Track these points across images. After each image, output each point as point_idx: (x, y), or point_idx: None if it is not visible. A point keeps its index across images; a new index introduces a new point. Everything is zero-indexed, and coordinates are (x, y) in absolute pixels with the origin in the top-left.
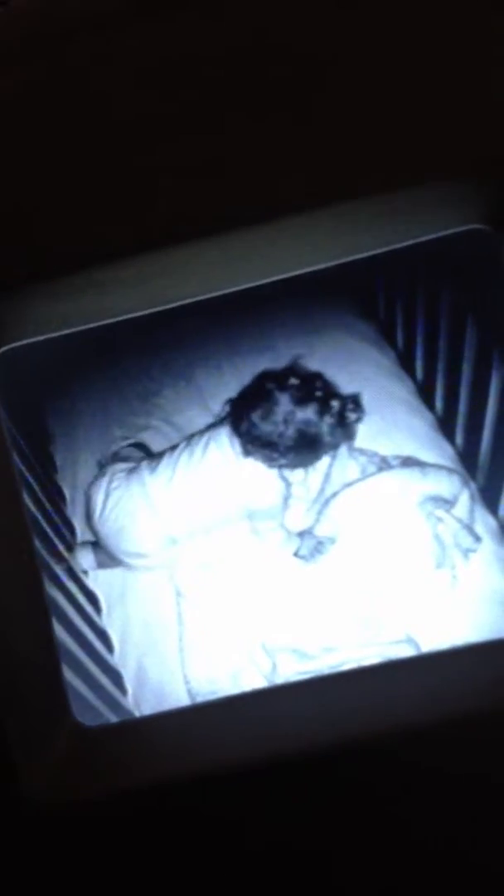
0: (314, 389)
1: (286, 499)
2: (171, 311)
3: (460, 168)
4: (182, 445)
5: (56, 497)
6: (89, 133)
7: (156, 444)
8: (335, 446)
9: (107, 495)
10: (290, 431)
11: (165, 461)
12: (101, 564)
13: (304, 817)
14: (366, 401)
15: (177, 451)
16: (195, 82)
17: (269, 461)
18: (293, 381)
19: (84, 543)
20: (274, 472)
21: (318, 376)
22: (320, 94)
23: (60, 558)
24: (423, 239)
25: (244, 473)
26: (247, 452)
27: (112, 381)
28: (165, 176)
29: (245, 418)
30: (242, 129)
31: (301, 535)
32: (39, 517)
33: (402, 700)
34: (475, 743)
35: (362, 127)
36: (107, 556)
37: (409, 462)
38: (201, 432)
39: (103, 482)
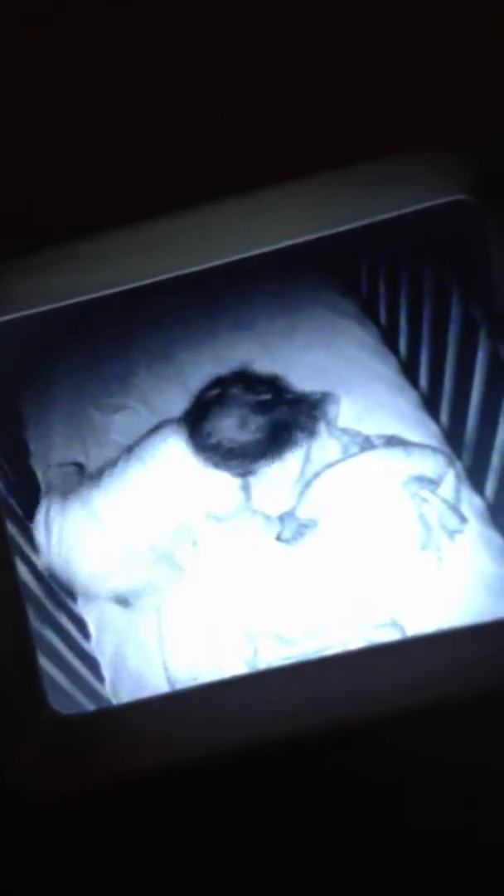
0: (271, 394)
1: (248, 496)
2: (148, 287)
3: (443, 138)
4: (125, 457)
5: (29, 481)
6: (64, 107)
7: (132, 427)
8: (300, 445)
9: (48, 528)
10: (251, 439)
11: (111, 475)
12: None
13: (289, 805)
14: (348, 379)
15: (122, 464)
16: (170, 59)
17: (232, 470)
18: (249, 389)
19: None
20: (235, 479)
21: (274, 378)
22: (303, 65)
23: (34, 544)
24: (406, 211)
25: (202, 481)
26: (210, 463)
27: (87, 362)
28: (141, 149)
29: (201, 430)
30: (217, 102)
31: (281, 518)
32: (11, 501)
33: (388, 685)
34: (462, 727)
35: (344, 97)
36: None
37: (393, 441)
38: (146, 441)
39: (40, 517)
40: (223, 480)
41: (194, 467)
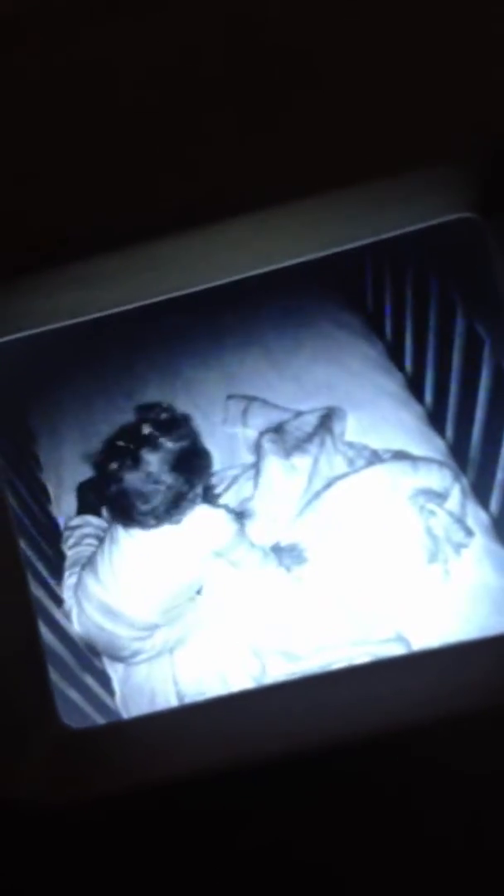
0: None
1: (242, 523)
2: (156, 305)
3: (448, 156)
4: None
5: (40, 496)
6: (65, 125)
7: None
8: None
9: (78, 604)
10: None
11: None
12: None
13: (295, 818)
14: (354, 394)
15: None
16: (170, 74)
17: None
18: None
19: None
20: (219, 511)
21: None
22: (307, 84)
23: (45, 557)
24: (411, 229)
25: (190, 524)
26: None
27: (96, 378)
28: (150, 168)
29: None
30: (223, 120)
31: (277, 550)
32: (23, 517)
33: (393, 699)
34: (468, 741)
35: (347, 116)
36: None
37: (399, 455)
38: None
39: (64, 586)
40: (209, 516)
41: (156, 536)
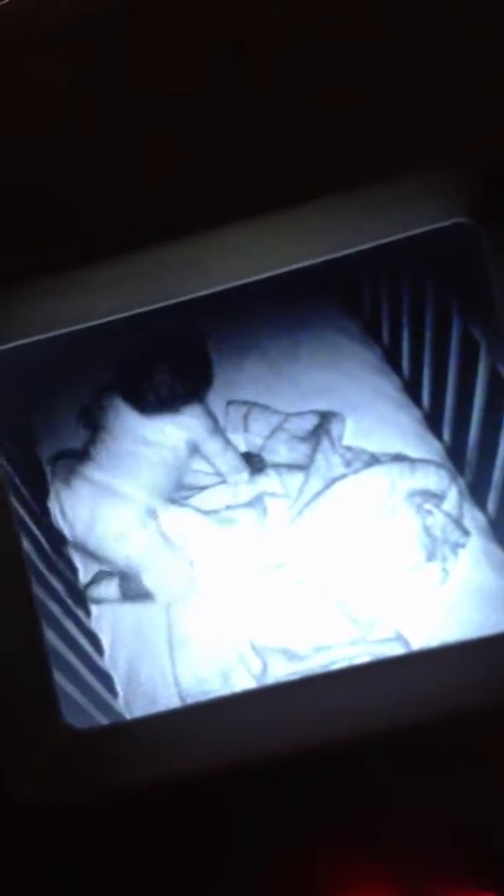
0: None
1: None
2: (156, 311)
3: (443, 163)
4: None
5: (42, 498)
6: (67, 137)
7: None
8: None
9: (62, 511)
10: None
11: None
12: (125, 594)
13: (296, 817)
14: (352, 397)
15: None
16: (168, 83)
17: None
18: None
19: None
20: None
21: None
22: (305, 91)
23: (48, 559)
24: (408, 234)
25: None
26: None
27: (98, 383)
28: (149, 175)
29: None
30: (221, 127)
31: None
32: (26, 518)
33: (393, 698)
34: (467, 740)
35: (344, 122)
36: (130, 586)
37: (397, 458)
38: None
39: (53, 503)
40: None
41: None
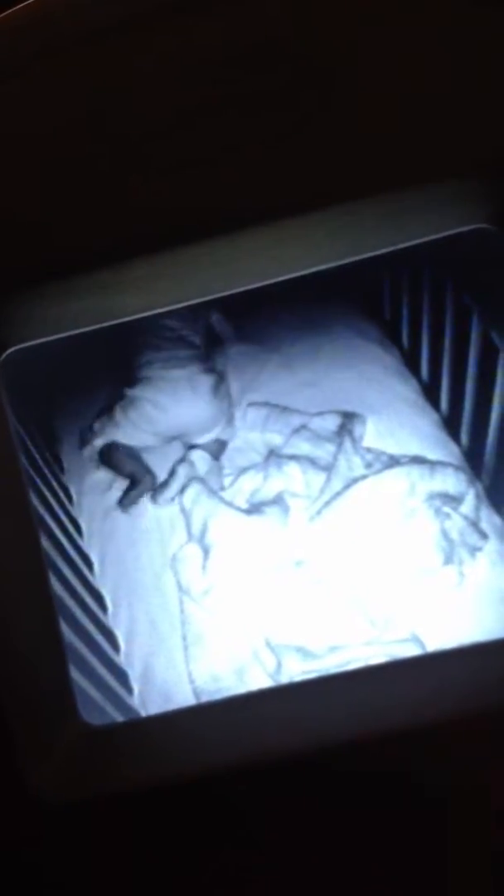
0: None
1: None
2: (177, 312)
3: (465, 168)
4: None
5: (63, 497)
6: (92, 135)
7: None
8: None
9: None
10: None
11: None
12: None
13: (310, 816)
14: (371, 400)
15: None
16: (197, 85)
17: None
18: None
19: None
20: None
21: None
22: (325, 95)
23: (65, 554)
24: (429, 239)
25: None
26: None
27: (118, 382)
28: (170, 177)
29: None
30: (246, 130)
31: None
32: (46, 517)
33: (408, 699)
34: (481, 742)
35: (367, 127)
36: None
37: (417, 460)
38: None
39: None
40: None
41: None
